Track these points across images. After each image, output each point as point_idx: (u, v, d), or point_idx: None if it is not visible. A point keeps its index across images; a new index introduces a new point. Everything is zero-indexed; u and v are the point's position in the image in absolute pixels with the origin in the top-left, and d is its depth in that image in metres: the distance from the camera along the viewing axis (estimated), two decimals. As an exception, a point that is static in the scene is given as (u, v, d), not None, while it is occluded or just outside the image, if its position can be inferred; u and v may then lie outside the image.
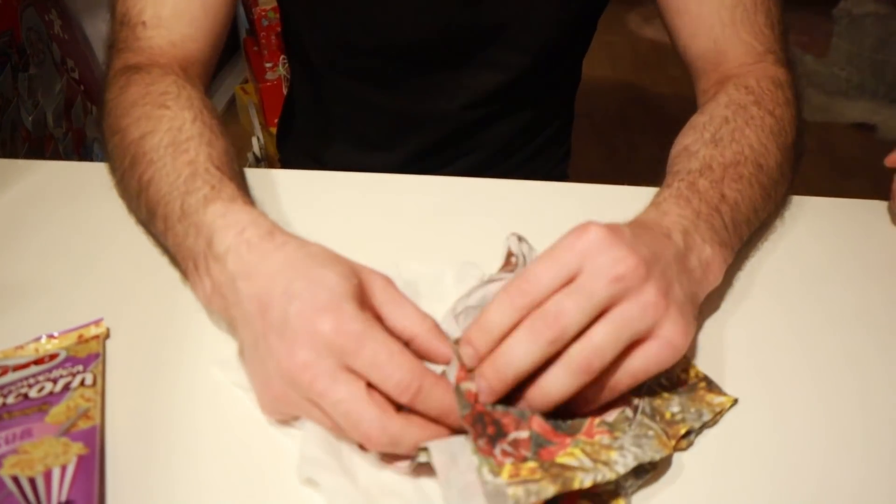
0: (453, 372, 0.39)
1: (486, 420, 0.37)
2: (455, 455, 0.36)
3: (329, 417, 0.37)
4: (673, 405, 0.40)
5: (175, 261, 0.49)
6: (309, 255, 0.40)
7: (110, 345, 0.47)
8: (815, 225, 0.58)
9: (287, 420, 0.40)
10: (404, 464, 0.37)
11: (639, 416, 0.39)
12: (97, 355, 0.45)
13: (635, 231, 0.40)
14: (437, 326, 0.40)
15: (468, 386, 0.37)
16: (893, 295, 0.51)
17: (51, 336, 0.46)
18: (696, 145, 0.52)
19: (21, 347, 0.46)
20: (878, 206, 0.61)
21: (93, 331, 0.47)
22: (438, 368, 0.40)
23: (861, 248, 0.56)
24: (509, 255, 0.45)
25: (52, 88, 1.51)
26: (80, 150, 1.60)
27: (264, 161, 1.94)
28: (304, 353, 0.36)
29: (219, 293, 0.43)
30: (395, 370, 0.35)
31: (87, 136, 1.63)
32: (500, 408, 0.37)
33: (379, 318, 0.40)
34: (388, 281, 0.41)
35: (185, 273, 0.47)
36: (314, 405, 0.37)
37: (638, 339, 0.37)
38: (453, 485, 0.35)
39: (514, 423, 0.37)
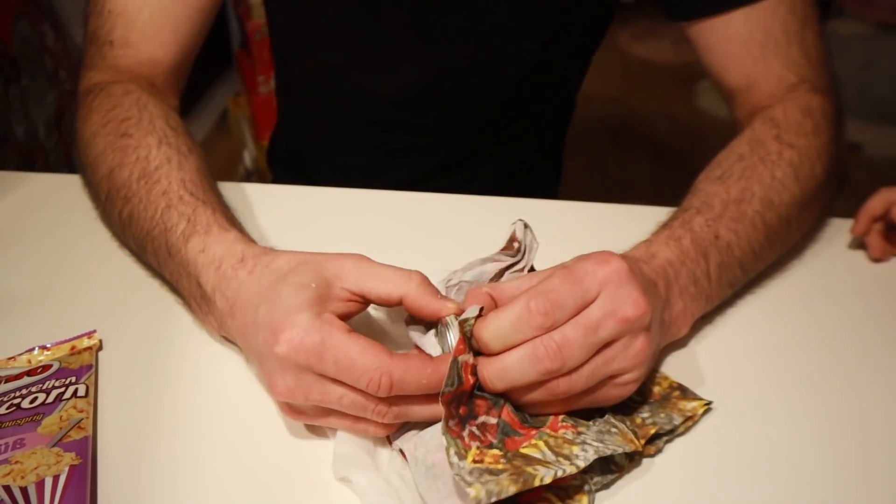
0: (449, 340, 0.39)
1: (463, 400, 0.38)
2: (424, 437, 0.38)
3: (343, 417, 0.39)
4: (643, 412, 0.42)
5: (176, 294, 0.50)
6: (272, 272, 0.40)
7: (103, 356, 0.47)
8: (803, 243, 0.58)
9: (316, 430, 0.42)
10: None
11: (606, 416, 0.40)
12: (90, 367, 0.45)
13: (637, 279, 0.40)
14: (424, 281, 0.40)
15: (465, 358, 0.38)
16: (874, 311, 0.52)
17: (43, 347, 0.46)
18: (703, 182, 0.52)
19: (13, 359, 0.46)
20: None
21: (86, 342, 0.47)
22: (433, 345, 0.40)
23: (846, 266, 0.57)
24: (512, 238, 0.45)
25: (44, 100, 1.51)
26: (71, 161, 1.59)
27: (255, 174, 1.94)
28: (283, 379, 0.37)
29: (223, 329, 0.45)
30: (361, 373, 0.36)
31: (79, 147, 1.63)
32: (478, 392, 0.38)
33: (363, 296, 0.40)
34: (360, 257, 0.41)
35: (191, 311, 0.48)
36: (325, 412, 0.39)
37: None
38: (420, 463, 0.37)
39: (486, 407, 0.38)
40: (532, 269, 0.45)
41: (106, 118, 0.54)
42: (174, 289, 0.49)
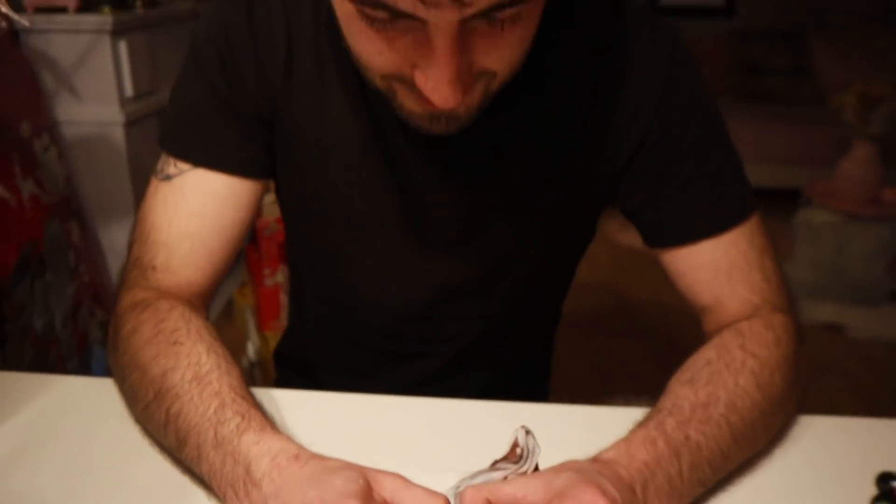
0: None
1: None
2: None
3: None
4: None
5: (209, 484, 0.53)
6: (324, 468, 0.47)
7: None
8: (800, 443, 0.62)
9: None
10: None
11: None
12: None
13: (623, 496, 0.46)
14: None
15: None
16: None
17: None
18: (674, 385, 0.58)
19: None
20: (864, 425, 0.64)
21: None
22: None
23: (811, 463, 0.59)
24: (515, 445, 0.49)
25: (64, 293, 1.59)
26: (82, 352, 1.65)
27: (258, 365, 1.99)
28: None
29: None
30: None
31: (90, 337, 1.69)
32: None
33: None
34: (397, 475, 0.47)
35: (223, 498, 0.51)
36: None
37: None
38: None
39: None
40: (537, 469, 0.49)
41: (156, 329, 0.60)
42: (206, 478, 0.53)
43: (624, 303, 2.55)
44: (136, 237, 0.68)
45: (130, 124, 1.78)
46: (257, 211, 0.71)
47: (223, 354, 0.59)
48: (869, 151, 2.51)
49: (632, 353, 2.24)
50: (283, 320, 1.95)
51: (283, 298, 1.97)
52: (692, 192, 0.66)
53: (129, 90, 1.78)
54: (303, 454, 0.49)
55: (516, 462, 0.48)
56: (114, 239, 1.85)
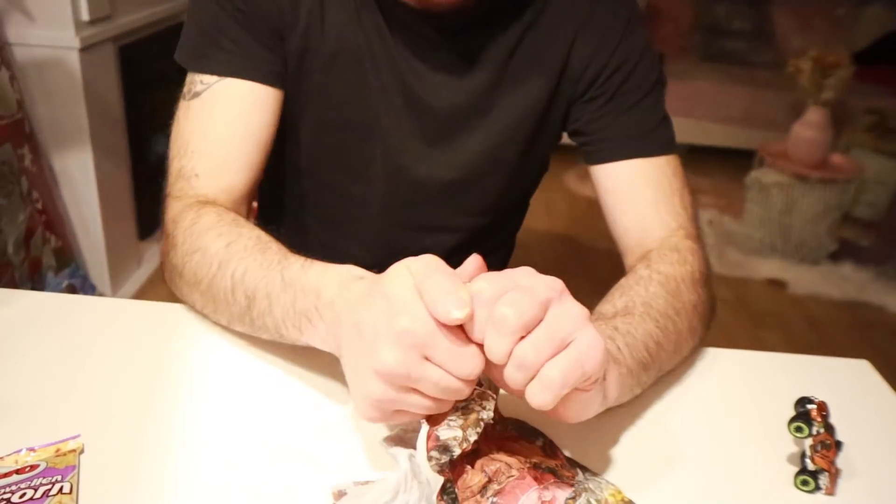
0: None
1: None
2: None
3: (425, 398, 0.44)
4: None
5: (282, 330, 0.56)
6: (383, 277, 0.47)
7: (84, 459, 0.52)
8: (729, 375, 0.67)
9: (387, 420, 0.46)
10: None
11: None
12: (73, 467, 0.50)
13: None
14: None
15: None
16: (747, 427, 0.58)
17: (31, 449, 0.51)
18: (598, 308, 0.64)
19: (2, 459, 0.50)
20: (787, 360, 0.70)
21: (70, 445, 0.52)
22: None
23: (771, 397, 0.64)
24: None
25: (16, 218, 1.57)
26: (35, 276, 1.63)
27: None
28: (394, 354, 0.43)
29: (332, 334, 0.50)
30: (467, 362, 0.43)
31: (44, 264, 1.67)
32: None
33: None
34: (436, 262, 0.46)
35: (299, 332, 0.54)
36: (411, 391, 0.44)
37: None
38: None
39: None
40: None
41: (218, 217, 0.65)
42: (277, 323, 0.56)
43: (579, 250, 2.61)
44: (175, 153, 0.72)
45: (86, 50, 1.74)
46: (279, 119, 0.75)
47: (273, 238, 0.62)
48: (821, 117, 2.58)
49: (583, 296, 2.29)
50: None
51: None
52: (632, 118, 0.75)
53: (84, 14, 1.72)
54: (367, 275, 0.51)
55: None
56: (67, 167, 1.82)
